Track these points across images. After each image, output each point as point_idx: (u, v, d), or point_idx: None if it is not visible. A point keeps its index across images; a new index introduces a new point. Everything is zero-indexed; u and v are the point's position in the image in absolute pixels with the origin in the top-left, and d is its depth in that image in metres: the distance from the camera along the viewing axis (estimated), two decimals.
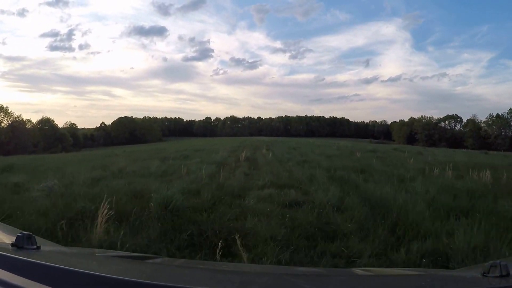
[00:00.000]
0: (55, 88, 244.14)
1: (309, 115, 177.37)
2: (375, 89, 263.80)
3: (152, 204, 6.08)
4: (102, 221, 4.63)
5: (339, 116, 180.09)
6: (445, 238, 4.63)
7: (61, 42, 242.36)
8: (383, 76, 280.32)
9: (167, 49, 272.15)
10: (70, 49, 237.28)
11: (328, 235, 5.08)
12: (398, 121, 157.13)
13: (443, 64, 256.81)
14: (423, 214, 5.84)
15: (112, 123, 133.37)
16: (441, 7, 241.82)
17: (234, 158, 18.48)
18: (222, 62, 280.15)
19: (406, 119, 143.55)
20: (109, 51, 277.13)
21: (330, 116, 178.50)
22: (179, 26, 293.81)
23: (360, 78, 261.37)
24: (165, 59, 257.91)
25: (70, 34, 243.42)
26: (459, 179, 10.71)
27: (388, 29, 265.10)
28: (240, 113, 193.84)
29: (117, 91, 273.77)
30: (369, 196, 7.41)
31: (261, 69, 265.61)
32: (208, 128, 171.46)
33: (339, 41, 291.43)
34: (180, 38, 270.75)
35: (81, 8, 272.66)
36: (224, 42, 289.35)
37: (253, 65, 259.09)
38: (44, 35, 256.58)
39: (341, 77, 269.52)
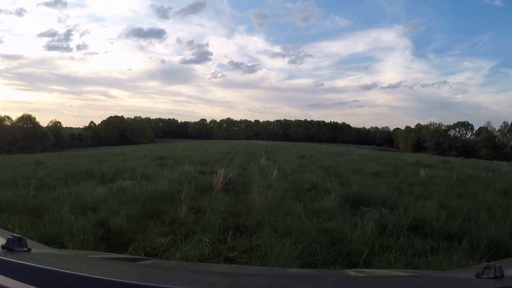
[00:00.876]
0: (51, 87, 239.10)
1: (308, 119, 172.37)
2: (375, 95, 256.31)
3: None
4: None
5: (338, 122, 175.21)
6: None
7: (59, 42, 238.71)
8: (383, 82, 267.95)
9: (165, 51, 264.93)
10: (68, 49, 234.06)
11: None
12: (399, 127, 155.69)
13: (444, 72, 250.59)
14: None
15: (101, 122, 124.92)
16: (442, 15, 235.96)
17: (205, 180, 9.44)
18: (221, 65, 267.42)
19: (403, 127, 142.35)
20: (106, 52, 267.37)
21: (330, 121, 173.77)
22: (177, 29, 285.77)
23: (360, 84, 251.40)
24: (163, 61, 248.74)
25: (68, 35, 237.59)
26: None
27: (388, 36, 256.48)
28: (237, 117, 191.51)
29: (114, 91, 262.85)
30: None
31: (259, 73, 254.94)
32: (203, 130, 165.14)
33: (339, 47, 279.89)
34: (179, 40, 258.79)
35: (79, 9, 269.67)
36: (223, 46, 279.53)
37: (251, 69, 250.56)
38: (41, 35, 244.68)
39: (340, 82, 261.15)
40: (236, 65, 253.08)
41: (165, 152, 24.16)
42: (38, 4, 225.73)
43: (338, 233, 4.90)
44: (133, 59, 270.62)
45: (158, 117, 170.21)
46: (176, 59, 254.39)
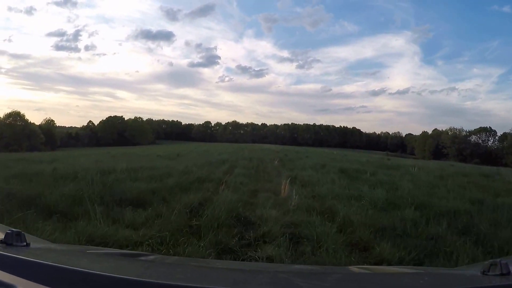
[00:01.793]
0: (58, 87, 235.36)
1: (316, 124, 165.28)
2: (382, 101, 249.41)
3: None
4: None
5: (349, 126, 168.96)
6: None
7: (67, 42, 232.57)
8: (391, 88, 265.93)
9: (173, 54, 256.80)
10: (76, 49, 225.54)
11: None
12: (411, 133, 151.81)
13: (453, 79, 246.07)
14: None
15: (100, 122, 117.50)
16: (451, 22, 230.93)
17: None
18: (228, 69, 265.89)
19: (411, 132, 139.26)
20: (114, 53, 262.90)
21: (340, 126, 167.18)
22: (186, 32, 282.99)
23: (368, 90, 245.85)
24: (170, 64, 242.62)
25: (76, 35, 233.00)
26: None
27: (397, 41, 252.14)
28: (244, 121, 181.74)
29: (120, 93, 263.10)
30: None
31: (267, 78, 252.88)
32: (207, 133, 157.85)
33: (347, 52, 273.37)
34: (187, 43, 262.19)
35: (88, 10, 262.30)
36: (231, 50, 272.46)
37: (259, 73, 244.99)
38: (50, 34, 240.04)
39: (348, 88, 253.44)
40: (243, 69, 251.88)
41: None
42: (48, 3, 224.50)
43: None
44: (141, 61, 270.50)
45: (161, 119, 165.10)
46: (184, 62, 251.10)
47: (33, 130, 76.52)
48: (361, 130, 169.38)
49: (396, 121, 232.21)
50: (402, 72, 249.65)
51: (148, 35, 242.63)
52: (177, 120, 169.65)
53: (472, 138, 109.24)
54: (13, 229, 1.26)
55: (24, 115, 79.41)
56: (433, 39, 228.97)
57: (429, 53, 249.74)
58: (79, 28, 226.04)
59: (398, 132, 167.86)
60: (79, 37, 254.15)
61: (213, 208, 5.58)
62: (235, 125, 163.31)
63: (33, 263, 1.01)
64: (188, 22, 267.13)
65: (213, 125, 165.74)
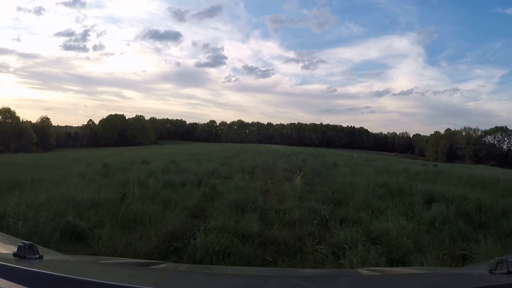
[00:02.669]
0: (66, 86, 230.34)
1: (322, 124, 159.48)
2: (386, 102, 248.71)
3: None
4: None
5: (354, 126, 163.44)
6: None
7: (76, 42, 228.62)
8: (395, 89, 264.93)
9: (180, 54, 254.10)
10: (84, 49, 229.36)
11: None
12: (419, 133, 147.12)
13: (456, 79, 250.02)
14: None
15: (100, 121, 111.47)
16: (454, 23, 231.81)
17: None
18: (235, 69, 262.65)
19: (414, 133, 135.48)
20: (122, 53, 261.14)
21: (348, 126, 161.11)
22: (193, 32, 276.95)
23: (372, 90, 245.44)
24: (178, 64, 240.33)
25: (85, 35, 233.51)
26: None
27: (401, 43, 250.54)
28: (249, 120, 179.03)
29: (128, 92, 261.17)
30: None
31: (273, 78, 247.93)
32: (212, 133, 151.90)
33: (352, 53, 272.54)
34: (194, 44, 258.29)
35: (97, 10, 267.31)
36: (238, 50, 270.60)
37: (265, 74, 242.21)
38: (58, 34, 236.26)
39: (353, 89, 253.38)
40: (250, 70, 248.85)
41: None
42: (57, 4, 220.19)
43: None
44: (149, 61, 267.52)
45: (165, 118, 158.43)
46: (191, 62, 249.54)
47: (24, 129, 70.41)
48: (369, 130, 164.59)
49: (400, 121, 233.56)
50: (406, 73, 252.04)
51: (156, 35, 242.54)
52: (181, 119, 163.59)
53: (487, 138, 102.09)
54: (26, 242, 1.23)
55: (14, 112, 73.88)
56: (437, 41, 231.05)
57: (432, 54, 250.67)
58: (87, 28, 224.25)
59: (406, 132, 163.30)
60: (88, 37, 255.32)
61: None
62: (240, 124, 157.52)
63: (46, 275, 0.99)
64: (195, 22, 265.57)
65: (218, 124, 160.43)
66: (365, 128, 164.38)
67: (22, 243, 1.21)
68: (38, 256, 1.21)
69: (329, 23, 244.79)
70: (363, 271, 1.78)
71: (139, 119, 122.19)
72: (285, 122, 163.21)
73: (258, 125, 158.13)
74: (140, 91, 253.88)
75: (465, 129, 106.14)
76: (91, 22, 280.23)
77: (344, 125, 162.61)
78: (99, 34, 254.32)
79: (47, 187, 6.99)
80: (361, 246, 4.09)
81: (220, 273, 1.79)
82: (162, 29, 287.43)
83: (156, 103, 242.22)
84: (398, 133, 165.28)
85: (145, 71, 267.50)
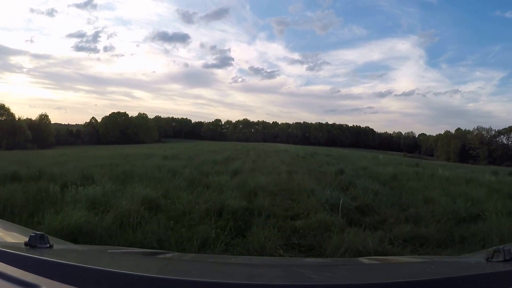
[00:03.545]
0: (77, 86, 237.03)
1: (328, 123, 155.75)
2: (388, 102, 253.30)
3: None
4: None
5: (360, 126, 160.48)
6: None
7: (87, 43, 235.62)
8: (397, 90, 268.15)
9: (188, 55, 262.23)
10: (95, 50, 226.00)
11: None
12: (424, 133, 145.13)
13: (456, 81, 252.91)
14: None
15: (102, 119, 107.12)
16: (455, 27, 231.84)
17: None
18: (241, 70, 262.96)
19: (416, 133, 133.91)
20: (132, 54, 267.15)
21: (353, 125, 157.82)
22: (201, 34, 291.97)
23: (374, 91, 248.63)
24: (186, 65, 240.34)
25: (96, 36, 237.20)
26: None
27: (403, 45, 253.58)
28: (255, 119, 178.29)
29: (137, 93, 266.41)
30: None
31: (278, 79, 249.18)
32: (217, 131, 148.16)
33: (355, 55, 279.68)
34: (202, 45, 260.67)
35: (108, 12, 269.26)
36: (244, 51, 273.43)
37: (271, 75, 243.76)
38: (70, 36, 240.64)
39: (356, 90, 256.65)
40: (256, 71, 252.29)
41: None
42: (69, 5, 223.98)
43: None
44: (157, 62, 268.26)
45: (170, 116, 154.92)
46: (199, 63, 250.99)
47: (18, 126, 65.91)
48: (374, 130, 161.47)
49: (401, 121, 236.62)
50: (407, 75, 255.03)
51: (165, 37, 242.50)
52: (186, 118, 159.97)
53: (501, 138, 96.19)
54: (37, 232, 1.26)
55: (9, 108, 69.34)
56: (438, 43, 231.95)
57: (433, 56, 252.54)
58: (98, 29, 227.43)
59: (411, 132, 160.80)
60: (98, 38, 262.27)
61: None
62: (245, 123, 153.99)
63: (57, 264, 1.02)
64: (203, 24, 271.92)
65: (223, 123, 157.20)
66: (370, 127, 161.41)
67: (33, 233, 1.24)
68: (48, 245, 1.24)
69: (333, 25, 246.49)
70: (364, 260, 1.79)
71: (142, 117, 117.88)
72: (290, 122, 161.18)
73: (263, 124, 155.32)
74: (149, 91, 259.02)
75: (477, 128, 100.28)
76: (102, 24, 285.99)
77: (349, 124, 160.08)
78: (110, 36, 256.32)
79: None
80: None
81: (225, 262, 1.81)
82: (170, 30, 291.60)
83: (164, 103, 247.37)
84: (403, 133, 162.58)
85: (154, 71, 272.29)
